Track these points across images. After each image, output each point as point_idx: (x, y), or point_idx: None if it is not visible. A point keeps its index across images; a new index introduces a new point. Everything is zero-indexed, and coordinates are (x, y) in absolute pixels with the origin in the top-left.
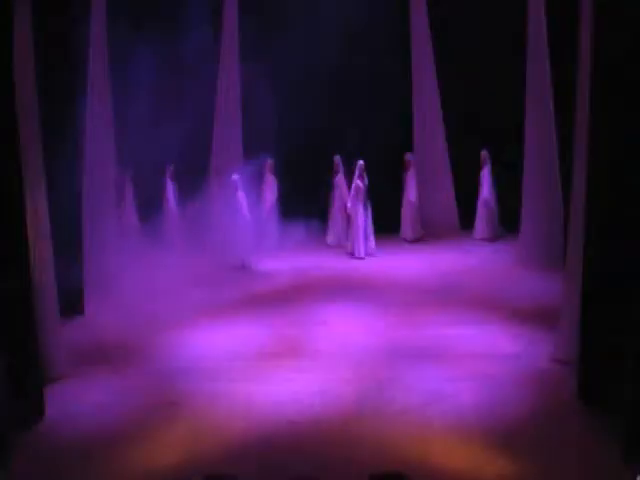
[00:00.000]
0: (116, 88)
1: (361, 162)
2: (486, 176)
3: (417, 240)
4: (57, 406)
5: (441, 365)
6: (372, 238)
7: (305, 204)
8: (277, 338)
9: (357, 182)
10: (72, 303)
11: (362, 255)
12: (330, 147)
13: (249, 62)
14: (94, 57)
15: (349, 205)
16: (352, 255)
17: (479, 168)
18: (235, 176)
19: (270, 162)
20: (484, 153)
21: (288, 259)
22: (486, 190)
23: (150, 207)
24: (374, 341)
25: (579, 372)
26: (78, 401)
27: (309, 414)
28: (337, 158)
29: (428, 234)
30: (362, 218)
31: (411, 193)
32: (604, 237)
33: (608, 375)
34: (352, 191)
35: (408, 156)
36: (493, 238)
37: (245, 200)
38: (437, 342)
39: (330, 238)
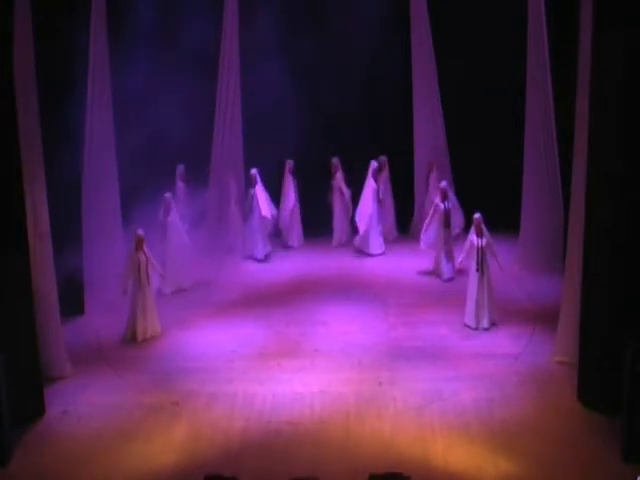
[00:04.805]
0: (116, 86)
1: (290, 161)
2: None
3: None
4: (57, 406)
5: (441, 365)
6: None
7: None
8: (277, 338)
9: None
10: (72, 303)
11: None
12: (329, 147)
13: (249, 62)
14: (94, 56)
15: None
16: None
17: (475, 169)
18: (253, 170)
19: (290, 162)
20: (382, 159)
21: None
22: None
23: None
24: (374, 341)
25: (579, 372)
26: (78, 401)
27: (309, 414)
28: (382, 158)
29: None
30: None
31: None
32: (604, 238)
33: (608, 375)
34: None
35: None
36: None
37: (264, 195)
38: (437, 342)
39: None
